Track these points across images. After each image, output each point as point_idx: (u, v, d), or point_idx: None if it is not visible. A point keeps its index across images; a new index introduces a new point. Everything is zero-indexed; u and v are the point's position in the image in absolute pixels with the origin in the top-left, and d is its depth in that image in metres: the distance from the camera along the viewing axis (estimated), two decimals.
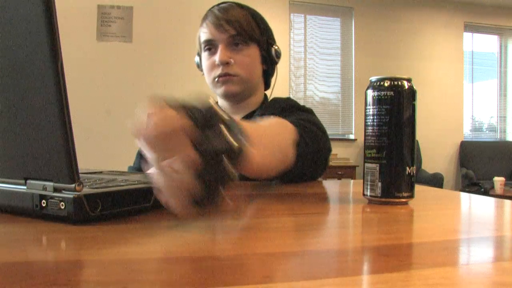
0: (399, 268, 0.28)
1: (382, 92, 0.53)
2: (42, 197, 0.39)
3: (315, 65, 5.38)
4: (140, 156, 1.00)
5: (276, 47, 1.03)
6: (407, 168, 0.54)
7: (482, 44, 6.17)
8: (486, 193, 4.56)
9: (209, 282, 0.24)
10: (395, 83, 0.53)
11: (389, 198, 0.53)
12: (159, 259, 0.29)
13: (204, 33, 0.97)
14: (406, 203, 0.54)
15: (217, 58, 0.94)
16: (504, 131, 6.22)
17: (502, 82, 6.19)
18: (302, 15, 5.37)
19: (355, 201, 0.60)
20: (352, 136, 5.47)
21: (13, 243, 0.34)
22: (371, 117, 0.55)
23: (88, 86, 2.57)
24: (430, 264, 0.29)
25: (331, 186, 0.83)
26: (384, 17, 5.62)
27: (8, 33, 0.39)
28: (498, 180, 4.52)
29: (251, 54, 0.97)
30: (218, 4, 1.00)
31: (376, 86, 0.54)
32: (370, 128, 0.55)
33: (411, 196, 0.55)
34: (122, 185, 0.45)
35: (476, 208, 0.61)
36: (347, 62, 5.49)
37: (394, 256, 0.32)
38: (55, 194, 0.38)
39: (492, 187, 4.57)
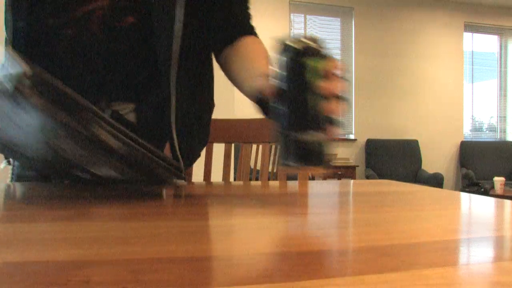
0: (399, 268, 0.28)
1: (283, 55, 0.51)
2: None
3: None
4: None
5: None
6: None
7: (482, 44, 6.17)
8: (486, 193, 4.56)
9: (209, 282, 0.24)
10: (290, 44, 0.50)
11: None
12: (159, 259, 0.29)
13: None
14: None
15: None
16: (504, 131, 6.23)
17: (502, 82, 6.20)
18: (302, 15, 5.38)
19: (355, 201, 0.60)
20: (352, 136, 5.48)
21: (11, 242, 0.33)
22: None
23: None
24: (430, 264, 0.29)
25: (331, 186, 0.83)
26: (384, 17, 5.62)
27: None
28: (498, 180, 4.53)
29: None
30: None
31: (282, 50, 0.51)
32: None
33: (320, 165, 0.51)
34: None
35: (476, 208, 0.61)
36: (347, 62, 5.49)
37: (394, 256, 0.32)
38: None
39: (492, 187, 4.58)
